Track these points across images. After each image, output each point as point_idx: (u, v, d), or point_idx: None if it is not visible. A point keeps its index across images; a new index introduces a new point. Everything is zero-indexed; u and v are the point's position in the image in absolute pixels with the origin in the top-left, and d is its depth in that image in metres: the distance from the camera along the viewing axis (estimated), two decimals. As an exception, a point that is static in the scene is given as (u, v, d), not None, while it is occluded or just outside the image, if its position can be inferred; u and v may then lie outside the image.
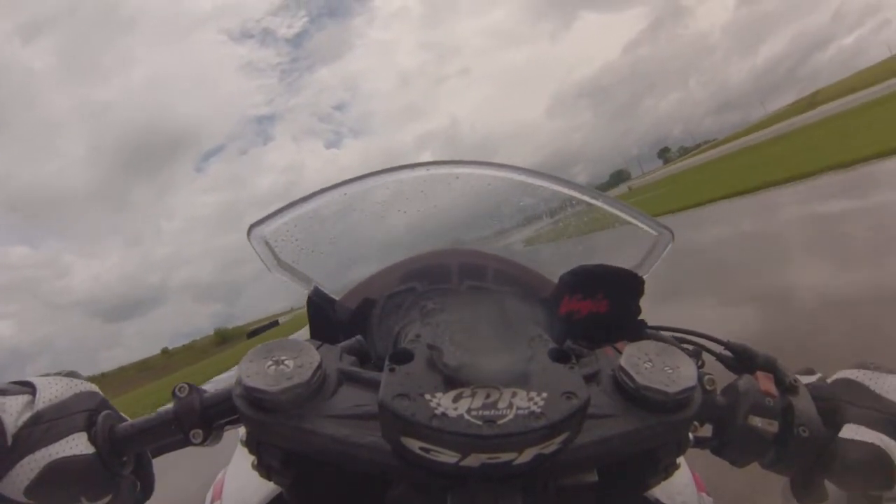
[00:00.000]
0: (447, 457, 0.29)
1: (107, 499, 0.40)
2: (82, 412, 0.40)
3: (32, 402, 0.39)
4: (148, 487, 0.44)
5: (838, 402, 0.42)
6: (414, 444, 0.29)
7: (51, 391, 0.40)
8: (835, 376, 0.44)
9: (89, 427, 0.40)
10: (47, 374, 0.42)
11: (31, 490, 0.37)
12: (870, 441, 0.39)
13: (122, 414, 0.43)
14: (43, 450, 0.37)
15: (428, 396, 0.29)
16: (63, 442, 0.38)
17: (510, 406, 0.29)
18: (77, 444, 0.38)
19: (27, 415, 0.38)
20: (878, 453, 0.38)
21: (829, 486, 0.42)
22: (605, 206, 0.57)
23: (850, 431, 0.40)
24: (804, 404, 0.42)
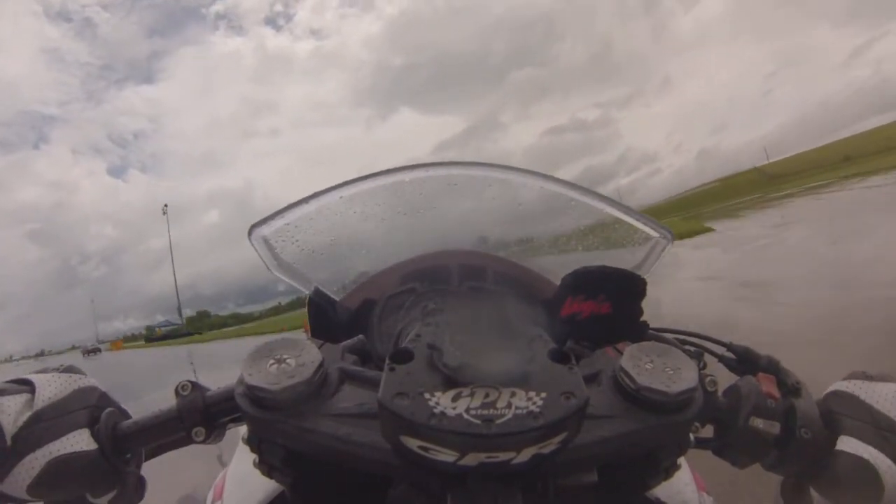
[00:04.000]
0: (446, 456, 0.29)
1: (112, 493, 0.40)
2: (83, 409, 0.40)
3: (31, 400, 0.39)
4: (142, 486, 0.44)
5: (833, 414, 0.42)
6: (413, 443, 0.29)
7: (50, 389, 0.40)
8: (829, 389, 0.44)
9: (91, 424, 0.40)
10: (45, 371, 0.42)
11: (33, 487, 0.37)
12: (861, 455, 0.39)
13: (125, 408, 0.43)
14: (44, 447, 0.38)
15: (427, 396, 0.29)
16: (64, 439, 0.38)
17: (509, 406, 0.29)
18: (78, 441, 0.38)
19: (27, 414, 0.39)
20: (868, 469, 0.38)
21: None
22: (605, 207, 0.57)
23: (843, 444, 0.40)
24: (806, 406, 0.42)
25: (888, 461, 0.38)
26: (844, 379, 0.44)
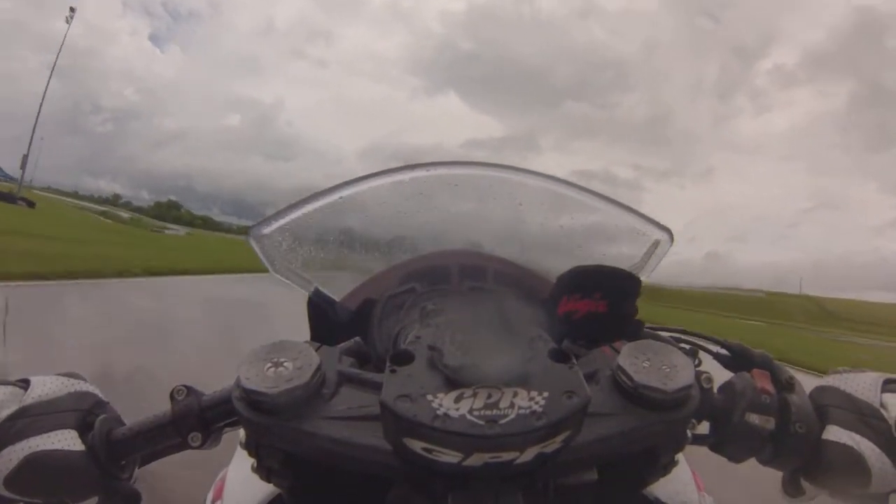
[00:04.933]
0: (449, 457, 0.29)
1: (91, 501, 0.39)
2: (73, 411, 0.40)
3: (22, 396, 0.39)
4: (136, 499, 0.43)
5: (820, 406, 0.43)
6: (416, 445, 0.29)
7: (43, 388, 0.40)
8: (814, 386, 0.46)
9: (81, 426, 0.39)
10: (48, 374, 0.42)
11: (10, 481, 0.37)
12: (846, 443, 0.40)
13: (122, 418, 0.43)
14: (24, 441, 0.37)
15: (430, 397, 0.29)
16: (46, 436, 0.37)
17: (511, 406, 0.29)
18: (62, 440, 0.38)
19: (13, 408, 0.38)
20: (853, 455, 0.40)
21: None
22: (605, 207, 0.57)
23: (829, 433, 0.41)
24: (800, 401, 0.43)
25: (872, 446, 0.40)
26: (826, 376, 0.46)
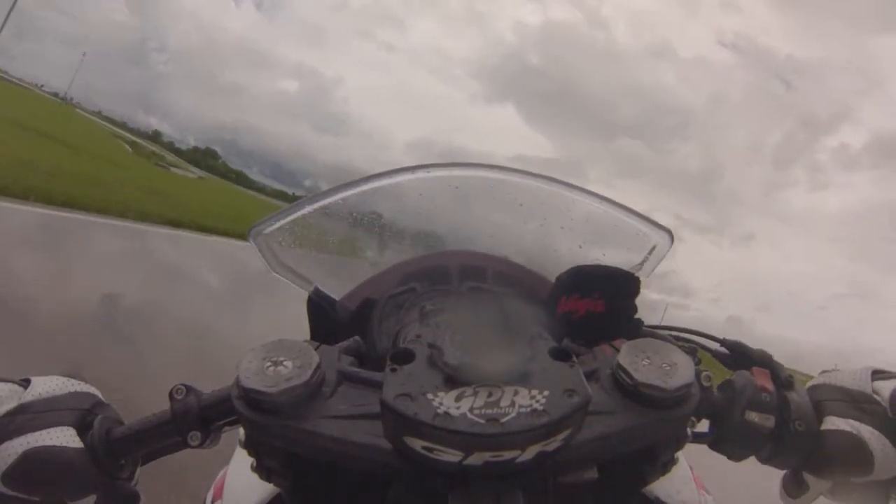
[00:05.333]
0: (450, 456, 0.29)
1: (90, 499, 0.39)
2: (73, 410, 0.40)
3: (21, 393, 0.39)
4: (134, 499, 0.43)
5: (816, 401, 0.43)
6: (416, 444, 0.29)
7: (43, 387, 0.40)
8: (807, 385, 0.46)
9: (80, 425, 0.39)
10: (50, 375, 0.42)
11: (8, 477, 0.37)
12: (846, 429, 0.40)
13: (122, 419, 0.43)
14: (23, 437, 0.37)
15: (430, 396, 0.29)
16: (45, 432, 0.37)
17: (512, 404, 0.29)
18: (60, 437, 0.38)
19: (12, 404, 0.38)
20: (855, 440, 0.40)
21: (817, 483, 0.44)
22: (605, 207, 0.58)
23: (828, 423, 0.42)
24: (800, 399, 0.43)
25: (871, 429, 0.40)
26: (817, 376, 0.46)
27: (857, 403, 0.41)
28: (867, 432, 0.40)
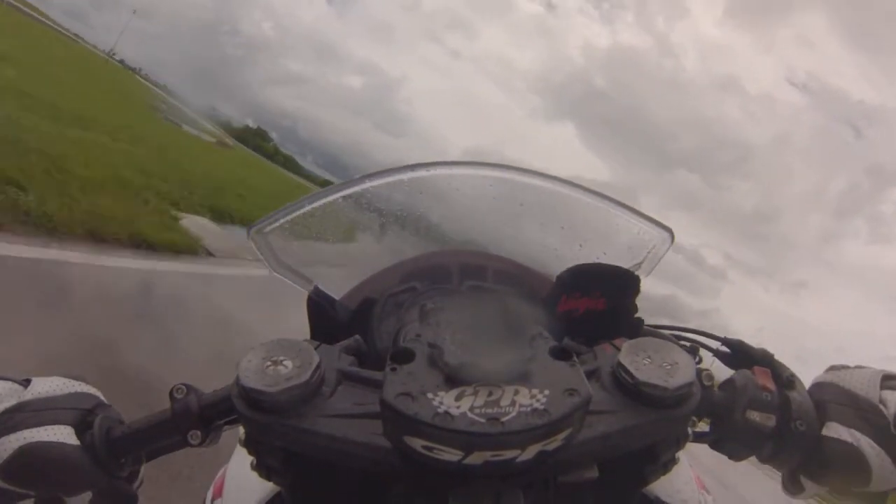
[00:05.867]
0: (450, 455, 0.29)
1: (85, 495, 0.40)
2: (72, 409, 0.40)
3: (21, 392, 0.39)
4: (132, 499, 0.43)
5: (819, 402, 0.43)
6: (416, 443, 0.29)
7: (43, 386, 0.40)
8: (812, 382, 0.45)
9: (79, 424, 0.40)
10: (52, 376, 0.42)
11: (4, 471, 0.37)
12: (846, 440, 0.40)
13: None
14: (20, 432, 0.37)
15: (430, 395, 0.29)
16: (43, 429, 0.38)
17: (513, 403, 0.29)
18: (58, 434, 0.38)
19: (11, 402, 0.39)
20: (855, 453, 0.39)
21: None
22: (606, 206, 0.58)
23: (829, 430, 0.41)
24: (801, 399, 0.43)
25: (871, 443, 0.39)
26: (824, 372, 0.45)
27: (862, 412, 0.41)
28: (867, 445, 0.39)
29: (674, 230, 0.55)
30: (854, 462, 0.39)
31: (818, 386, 0.44)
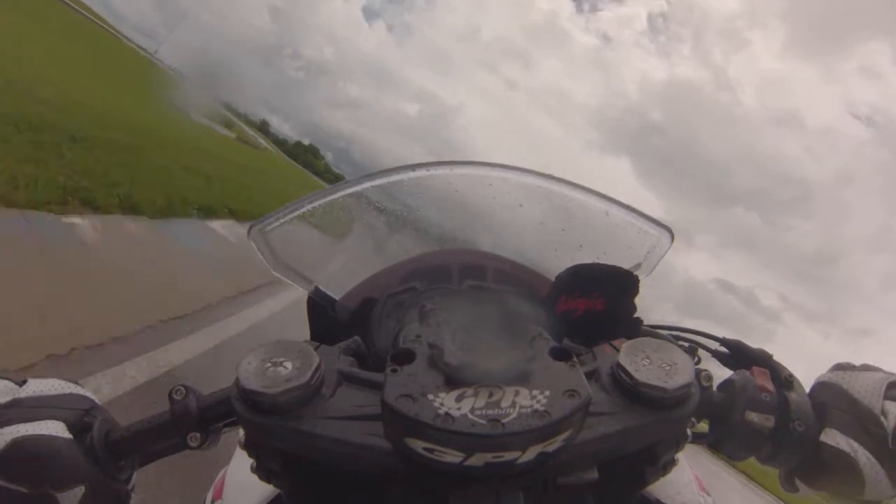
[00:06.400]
0: (451, 457, 0.29)
1: (77, 489, 0.39)
2: (66, 408, 0.40)
3: (16, 391, 0.39)
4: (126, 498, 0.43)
5: (820, 405, 0.43)
6: (418, 445, 0.29)
7: (39, 386, 0.40)
8: (816, 380, 0.45)
9: (72, 423, 0.39)
10: (48, 378, 0.42)
11: None
12: (843, 449, 0.40)
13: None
14: (12, 427, 0.37)
15: (431, 396, 0.29)
16: (35, 423, 0.38)
17: (513, 405, 0.29)
18: (49, 428, 0.38)
19: (6, 399, 0.39)
20: (849, 462, 0.39)
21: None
22: (606, 206, 0.58)
23: (827, 436, 0.41)
24: (799, 399, 0.43)
25: (867, 454, 0.39)
26: (830, 370, 0.45)
27: (862, 421, 0.40)
28: (864, 457, 0.39)
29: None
30: (849, 472, 0.39)
31: (821, 385, 0.44)
